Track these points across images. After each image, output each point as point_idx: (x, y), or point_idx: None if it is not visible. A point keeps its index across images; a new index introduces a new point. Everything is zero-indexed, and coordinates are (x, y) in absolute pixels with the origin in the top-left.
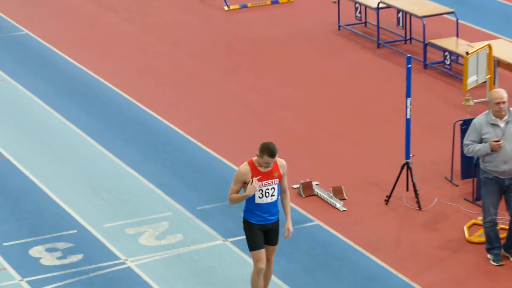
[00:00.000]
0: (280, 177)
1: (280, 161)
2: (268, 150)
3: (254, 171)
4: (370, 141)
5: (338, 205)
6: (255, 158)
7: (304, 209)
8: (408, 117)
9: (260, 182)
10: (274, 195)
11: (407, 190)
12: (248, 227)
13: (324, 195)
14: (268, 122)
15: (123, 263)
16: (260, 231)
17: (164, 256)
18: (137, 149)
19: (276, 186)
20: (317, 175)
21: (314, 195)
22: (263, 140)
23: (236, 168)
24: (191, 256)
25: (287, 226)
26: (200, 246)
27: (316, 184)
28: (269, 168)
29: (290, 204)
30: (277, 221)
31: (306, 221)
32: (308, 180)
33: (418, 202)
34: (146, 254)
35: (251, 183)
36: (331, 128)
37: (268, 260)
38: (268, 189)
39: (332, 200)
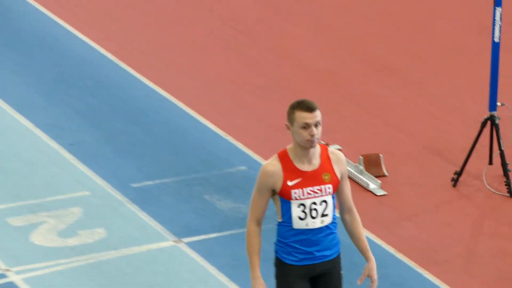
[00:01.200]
0: (337, 182)
1: (334, 152)
2: (301, 103)
3: (288, 168)
4: (430, 81)
5: (372, 186)
6: (289, 146)
7: None
8: (496, 40)
9: (299, 190)
10: (327, 214)
11: (490, 163)
12: (282, 271)
13: (350, 169)
14: (262, 44)
15: (3, 275)
16: (303, 279)
17: (73, 266)
18: (37, 81)
19: (329, 199)
20: (339, 134)
21: None
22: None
23: (222, 134)
24: (119, 266)
25: (369, 270)
26: (136, 250)
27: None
28: (317, 160)
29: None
30: (336, 259)
31: None
32: (323, 143)
33: (508, 183)
34: (42, 261)
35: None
36: (365, 58)
37: None
38: (315, 203)
39: (362, 178)
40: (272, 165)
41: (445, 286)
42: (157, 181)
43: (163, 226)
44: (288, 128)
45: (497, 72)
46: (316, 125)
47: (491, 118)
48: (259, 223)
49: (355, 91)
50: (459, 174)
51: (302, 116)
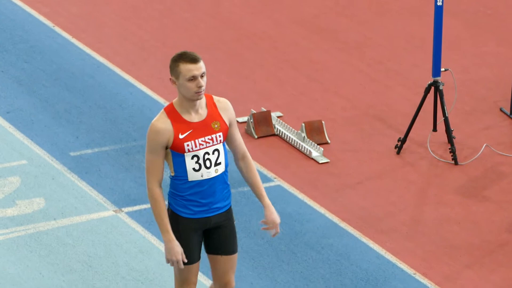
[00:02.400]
0: (226, 129)
1: (220, 100)
2: (184, 55)
3: (178, 122)
4: (368, 44)
5: (314, 154)
6: (175, 100)
7: (257, 160)
8: (439, 3)
9: (191, 142)
10: (220, 163)
11: (435, 129)
12: (176, 223)
13: (292, 136)
14: (198, 6)
15: None
16: (196, 232)
17: (12, 237)
18: None
19: (221, 147)
20: (280, 100)
21: (274, 135)
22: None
23: (160, 100)
24: (59, 237)
25: (270, 216)
26: (76, 220)
27: (278, 117)
28: (204, 110)
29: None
30: (229, 211)
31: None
32: (264, 110)
33: (452, 150)
34: None
35: (172, 260)
36: (302, 19)
37: (228, 285)
38: (207, 152)
39: (304, 145)
40: (162, 122)
41: (390, 256)
42: (96, 150)
43: (103, 195)
44: (173, 83)
45: (440, 37)
46: (202, 76)
47: (435, 84)
48: (160, 184)
49: (293, 55)
50: (402, 141)
51: (188, 69)
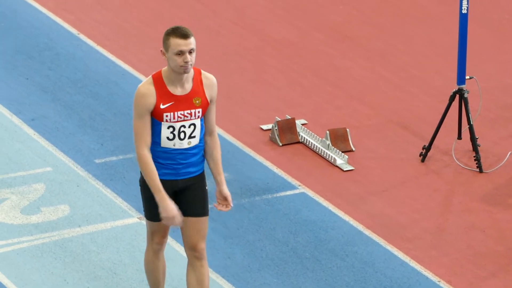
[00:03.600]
0: (206, 106)
1: (207, 77)
2: (176, 30)
3: (161, 92)
4: (392, 52)
5: (339, 161)
6: (164, 68)
7: (281, 167)
8: (464, 11)
9: (171, 114)
10: (194, 136)
11: (459, 137)
12: (145, 183)
13: (317, 144)
14: (223, 14)
15: None
16: (166, 191)
17: (36, 244)
18: None
19: (198, 122)
20: (304, 107)
21: (298, 142)
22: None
23: None
24: (84, 244)
25: (222, 191)
26: (100, 227)
27: (303, 125)
28: (189, 84)
29: (220, 158)
30: (200, 176)
31: (284, 187)
32: (289, 117)
33: (477, 158)
34: (5, 238)
35: (168, 213)
36: (326, 27)
37: (195, 249)
38: (184, 126)
39: (329, 152)
40: (147, 88)
41: (414, 263)
42: (120, 157)
43: (128, 202)
44: (163, 54)
45: (465, 45)
46: (190, 52)
47: (460, 92)
48: (149, 148)
49: (317, 62)
50: (427, 148)
51: (176, 43)
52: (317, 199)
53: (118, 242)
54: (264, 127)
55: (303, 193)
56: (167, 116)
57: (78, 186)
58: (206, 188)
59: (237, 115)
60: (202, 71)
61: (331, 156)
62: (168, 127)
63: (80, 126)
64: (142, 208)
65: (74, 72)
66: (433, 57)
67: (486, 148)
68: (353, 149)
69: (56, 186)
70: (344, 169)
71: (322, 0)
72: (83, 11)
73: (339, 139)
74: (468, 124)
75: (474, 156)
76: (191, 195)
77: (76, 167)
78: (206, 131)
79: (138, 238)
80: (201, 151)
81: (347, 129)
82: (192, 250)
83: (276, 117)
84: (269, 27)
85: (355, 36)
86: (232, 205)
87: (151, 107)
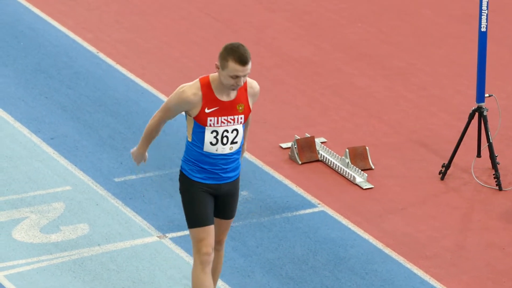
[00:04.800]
0: (248, 113)
1: (252, 86)
2: (236, 53)
3: (208, 97)
4: (412, 71)
5: (358, 179)
6: (212, 75)
7: (301, 186)
8: (483, 29)
9: (215, 118)
10: (236, 142)
11: (479, 155)
12: (188, 186)
13: (336, 162)
14: (241, 32)
15: None
16: (210, 194)
17: (56, 262)
18: (14, 72)
19: (240, 128)
20: (323, 126)
21: (317, 161)
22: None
23: None
24: (103, 262)
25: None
26: (120, 246)
27: (322, 143)
28: (235, 92)
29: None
30: (237, 180)
31: (303, 205)
32: (308, 136)
33: (496, 176)
34: (25, 257)
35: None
36: (345, 46)
37: (219, 243)
38: (227, 131)
39: (348, 171)
40: (194, 93)
41: (434, 282)
42: (140, 175)
43: (147, 221)
44: (217, 68)
45: (484, 63)
46: (244, 76)
47: (479, 110)
48: (162, 124)
49: (336, 81)
50: (447, 166)
51: (234, 68)
52: (336, 217)
53: (137, 261)
54: (284, 145)
55: (322, 211)
56: (211, 120)
57: (97, 204)
58: (240, 192)
59: (256, 134)
60: (248, 79)
61: (351, 174)
62: (212, 132)
63: (99, 144)
64: (161, 227)
65: (94, 91)
66: (452, 75)
67: (505, 166)
68: (373, 167)
69: (76, 205)
70: (364, 187)
71: (341, 19)
72: (102, 30)
73: (358, 157)
74: (488, 142)
75: (493, 174)
76: (229, 201)
77: (96, 186)
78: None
79: (158, 256)
80: (239, 157)
81: (367, 147)
82: (218, 245)
83: (296, 136)
84: (289, 46)
85: (374, 55)
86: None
87: (190, 111)
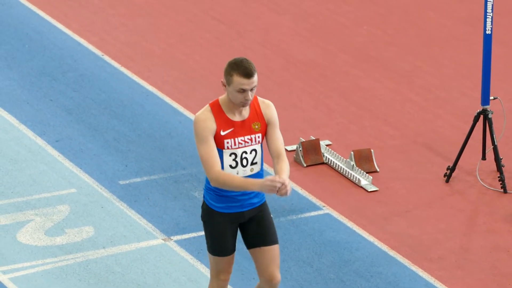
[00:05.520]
0: (265, 130)
1: (265, 103)
2: (240, 67)
3: (221, 119)
4: (417, 73)
5: (363, 182)
6: (221, 97)
7: (306, 188)
8: (488, 32)
9: (231, 140)
10: (256, 163)
11: (484, 158)
12: (210, 216)
13: (341, 164)
14: (247, 35)
15: None
16: (232, 224)
17: (60, 265)
18: (19, 75)
19: (259, 148)
20: (328, 128)
21: (322, 163)
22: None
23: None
24: (108, 265)
25: (280, 176)
26: (124, 249)
27: (327, 145)
28: (247, 111)
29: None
30: (263, 205)
31: (308, 208)
32: (313, 138)
33: (501, 179)
34: (29, 260)
35: (274, 181)
36: (351, 48)
37: (271, 278)
38: (245, 152)
39: (353, 173)
40: (206, 115)
41: (439, 284)
42: (145, 178)
43: (152, 224)
44: (224, 85)
45: (489, 65)
46: (252, 89)
47: (484, 112)
48: (219, 168)
49: (342, 83)
50: (452, 169)
51: (239, 82)
52: (341, 219)
53: (142, 263)
54: (289, 148)
55: (327, 214)
56: (228, 142)
57: (102, 207)
58: (271, 216)
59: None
60: (258, 97)
61: (356, 177)
62: (230, 155)
63: (104, 147)
64: (166, 229)
65: (98, 94)
66: (457, 77)
67: (510, 169)
68: (378, 169)
69: (81, 207)
70: (369, 190)
71: (346, 21)
72: (107, 33)
73: (363, 159)
74: (493, 145)
75: (498, 177)
76: (258, 225)
77: (101, 189)
78: (273, 155)
79: (163, 259)
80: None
81: (372, 150)
82: (269, 282)
83: (301, 138)
84: (294, 48)
85: (380, 57)
86: (288, 183)
87: (213, 130)
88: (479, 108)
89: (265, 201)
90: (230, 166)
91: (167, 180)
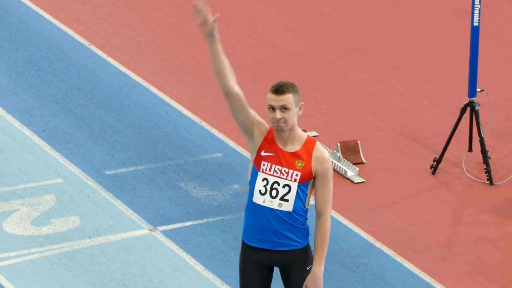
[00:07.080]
0: (307, 175)
1: (319, 150)
2: (274, 85)
3: (269, 140)
4: (404, 64)
5: (350, 173)
6: None
7: None
8: (476, 24)
9: (268, 164)
10: (287, 200)
11: (470, 150)
12: (242, 251)
13: None
14: (235, 26)
15: None
16: (260, 265)
17: (46, 255)
18: (5, 65)
19: (294, 186)
20: (315, 119)
21: None
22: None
23: (196, 120)
24: (94, 255)
25: (308, 280)
26: (110, 239)
27: (314, 137)
28: (297, 145)
29: (326, 241)
30: (295, 252)
31: None
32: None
33: (488, 171)
34: (15, 250)
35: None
36: (338, 39)
37: None
38: (278, 183)
39: (340, 164)
40: (262, 127)
41: (424, 275)
42: (131, 168)
43: (138, 214)
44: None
45: (476, 57)
46: (282, 109)
47: (471, 104)
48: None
49: (329, 74)
50: (438, 161)
51: (269, 98)
52: None
53: (128, 253)
54: None
55: (313, 205)
56: (264, 165)
57: (88, 197)
58: (307, 268)
59: None
60: (317, 143)
61: (342, 168)
62: (263, 179)
63: (91, 137)
64: (152, 220)
65: (85, 84)
66: (444, 69)
67: (496, 161)
68: (364, 161)
69: (67, 197)
70: (355, 181)
71: (334, 13)
72: (94, 23)
73: (350, 151)
74: (479, 137)
75: (484, 169)
76: (289, 274)
77: (87, 179)
78: (316, 213)
79: (149, 249)
80: (298, 225)
81: (358, 142)
82: None
83: None
84: (281, 40)
85: (367, 49)
86: None
87: (252, 134)
88: (466, 100)
89: (302, 248)
90: (260, 191)
91: (153, 170)
